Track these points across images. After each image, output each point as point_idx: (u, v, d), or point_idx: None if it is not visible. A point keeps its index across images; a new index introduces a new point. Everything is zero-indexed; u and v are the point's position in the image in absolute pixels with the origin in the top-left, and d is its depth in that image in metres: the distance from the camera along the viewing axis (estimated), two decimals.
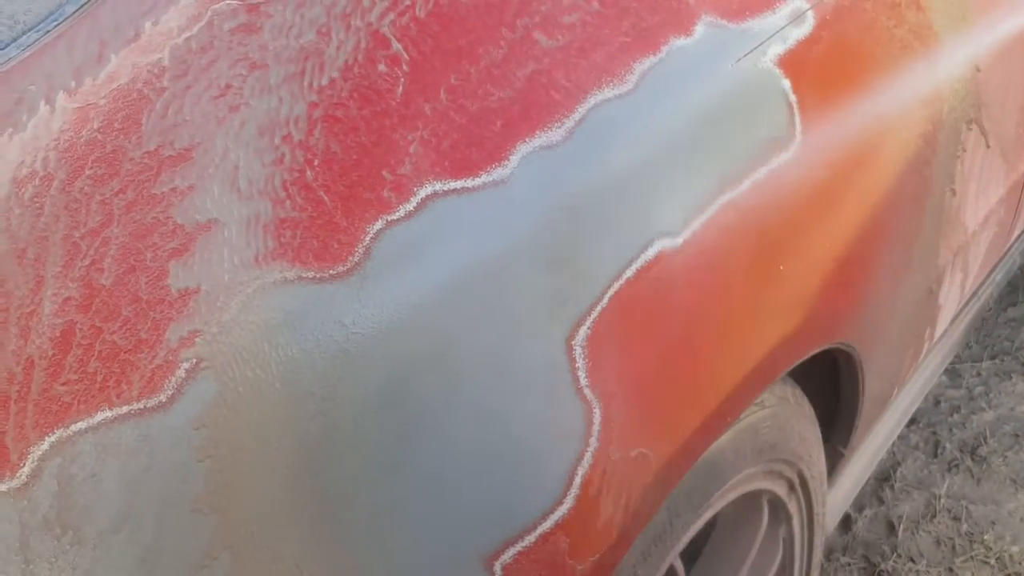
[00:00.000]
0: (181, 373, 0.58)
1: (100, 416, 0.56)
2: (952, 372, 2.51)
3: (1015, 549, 2.00)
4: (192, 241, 0.59)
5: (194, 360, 0.58)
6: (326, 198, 0.63)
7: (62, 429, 0.55)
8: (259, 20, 0.64)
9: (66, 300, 0.56)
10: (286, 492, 0.61)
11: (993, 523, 2.07)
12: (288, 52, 0.64)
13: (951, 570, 1.97)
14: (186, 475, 0.58)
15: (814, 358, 1.13)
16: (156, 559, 0.57)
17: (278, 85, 0.63)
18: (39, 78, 0.59)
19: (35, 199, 0.56)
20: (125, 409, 0.56)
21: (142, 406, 0.56)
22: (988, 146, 1.40)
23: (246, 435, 0.59)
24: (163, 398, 0.57)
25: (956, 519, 2.09)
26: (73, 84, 0.59)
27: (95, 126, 0.58)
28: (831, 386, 1.32)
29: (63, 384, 0.55)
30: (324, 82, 0.65)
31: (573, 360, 0.74)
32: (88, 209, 0.57)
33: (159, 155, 0.59)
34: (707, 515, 1.03)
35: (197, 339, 0.58)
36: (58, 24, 0.61)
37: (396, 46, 0.68)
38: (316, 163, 0.63)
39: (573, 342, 0.74)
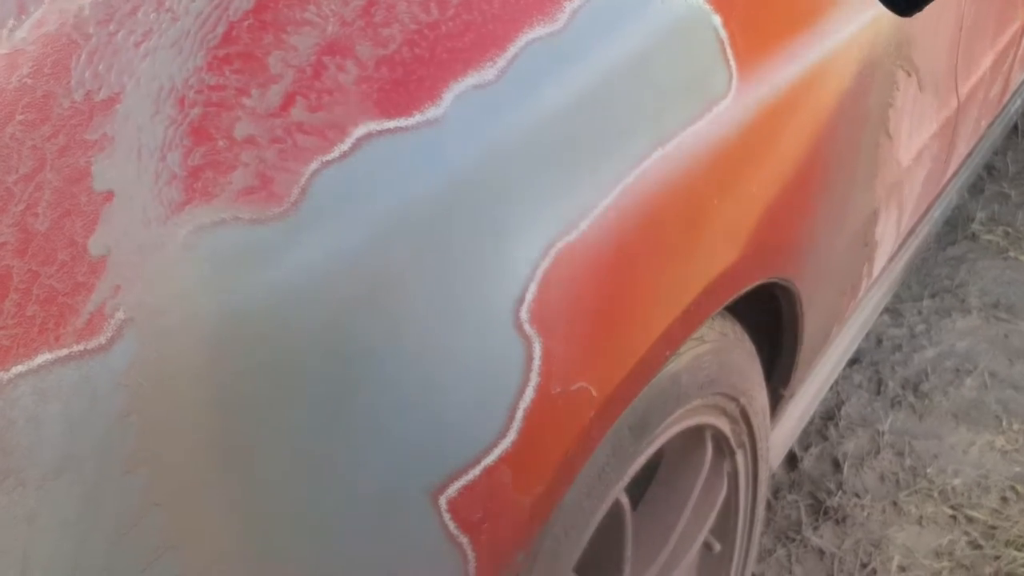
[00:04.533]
0: (120, 315, 0.58)
1: (40, 359, 0.56)
2: (893, 311, 2.56)
3: (957, 482, 2.05)
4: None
5: (124, 309, 0.58)
6: (259, 138, 0.63)
7: (2, 373, 0.55)
8: None
9: (1, 245, 0.56)
10: (217, 442, 0.61)
11: (936, 457, 2.12)
12: None
13: (895, 504, 2.01)
14: (120, 423, 0.58)
15: (758, 300, 1.15)
16: (99, 502, 0.58)
17: (198, 27, 0.63)
18: None
19: None
20: (65, 352, 0.56)
21: (82, 348, 0.57)
22: (919, 81, 1.42)
23: (175, 385, 0.59)
24: (103, 340, 0.57)
25: (899, 454, 2.13)
26: None
27: (24, 72, 0.58)
28: (773, 332, 1.34)
29: (0, 329, 0.55)
30: (250, 22, 0.65)
31: (516, 296, 0.75)
32: (20, 155, 0.57)
33: (90, 100, 0.59)
34: (650, 450, 1.05)
35: (128, 285, 0.59)
36: None
37: None
38: (247, 104, 0.63)
39: (514, 279, 0.75)
